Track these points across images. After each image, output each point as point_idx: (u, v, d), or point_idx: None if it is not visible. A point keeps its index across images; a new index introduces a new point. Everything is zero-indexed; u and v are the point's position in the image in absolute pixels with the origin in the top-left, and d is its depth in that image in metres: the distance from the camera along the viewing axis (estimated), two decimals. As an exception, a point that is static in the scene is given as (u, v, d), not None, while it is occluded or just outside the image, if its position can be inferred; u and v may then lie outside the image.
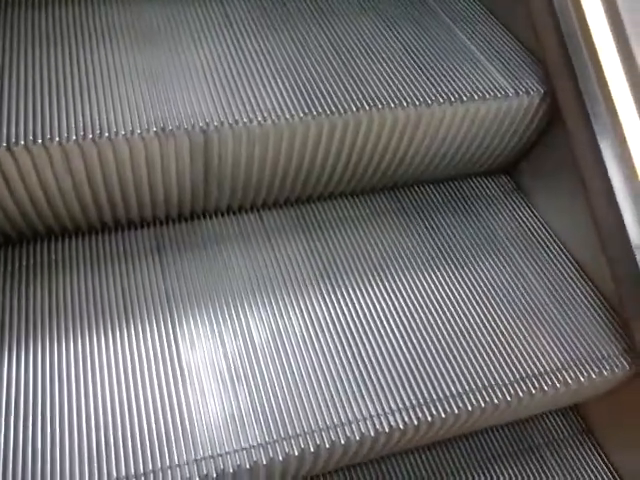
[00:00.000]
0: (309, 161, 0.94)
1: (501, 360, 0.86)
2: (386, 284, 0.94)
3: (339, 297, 0.91)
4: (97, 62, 0.92)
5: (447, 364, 0.85)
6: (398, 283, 0.94)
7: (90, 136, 0.79)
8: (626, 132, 0.82)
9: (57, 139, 0.78)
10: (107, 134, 0.80)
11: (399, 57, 1.01)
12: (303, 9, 1.09)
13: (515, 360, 0.86)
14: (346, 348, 0.85)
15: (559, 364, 0.87)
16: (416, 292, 0.93)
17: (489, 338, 0.89)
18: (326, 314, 0.89)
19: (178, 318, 0.86)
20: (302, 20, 1.06)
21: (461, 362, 0.85)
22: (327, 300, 0.90)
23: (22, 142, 0.76)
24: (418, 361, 0.84)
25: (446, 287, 0.95)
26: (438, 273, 0.97)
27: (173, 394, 0.78)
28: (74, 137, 0.78)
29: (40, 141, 0.77)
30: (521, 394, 0.83)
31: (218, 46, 0.98)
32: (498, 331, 0.90)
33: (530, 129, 1.03)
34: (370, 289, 0.93)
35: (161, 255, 0.94)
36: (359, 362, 0.83)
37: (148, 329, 0.84)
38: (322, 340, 0.85)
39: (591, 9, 0.88)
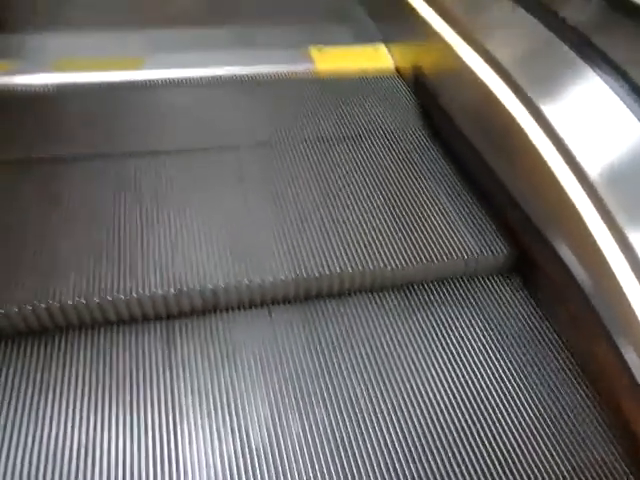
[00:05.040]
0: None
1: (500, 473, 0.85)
2: (389, 389, 0.94)
3: (339, 400, 0.92)
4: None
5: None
6: (402, 389, 0.94)
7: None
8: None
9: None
10: None
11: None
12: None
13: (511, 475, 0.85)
14: (342, 454, 0.85)
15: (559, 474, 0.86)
16: (420, 401, 0.93)
17: (489, 450, 0.88)
18: (325, 417, 0.90)
19: (179, 416, 0.89)
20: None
21: None
22: (327, 403, 0.92)
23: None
24: None
25: (451, 393, 0.95)
26: (444, 379, 0.97)
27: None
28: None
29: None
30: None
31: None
32: (500, 440, 0.89)
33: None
34: (374, 395, 0.93)
35: (170, 350, 0.98)
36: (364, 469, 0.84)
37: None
38: (319, 446, 0.86)
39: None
